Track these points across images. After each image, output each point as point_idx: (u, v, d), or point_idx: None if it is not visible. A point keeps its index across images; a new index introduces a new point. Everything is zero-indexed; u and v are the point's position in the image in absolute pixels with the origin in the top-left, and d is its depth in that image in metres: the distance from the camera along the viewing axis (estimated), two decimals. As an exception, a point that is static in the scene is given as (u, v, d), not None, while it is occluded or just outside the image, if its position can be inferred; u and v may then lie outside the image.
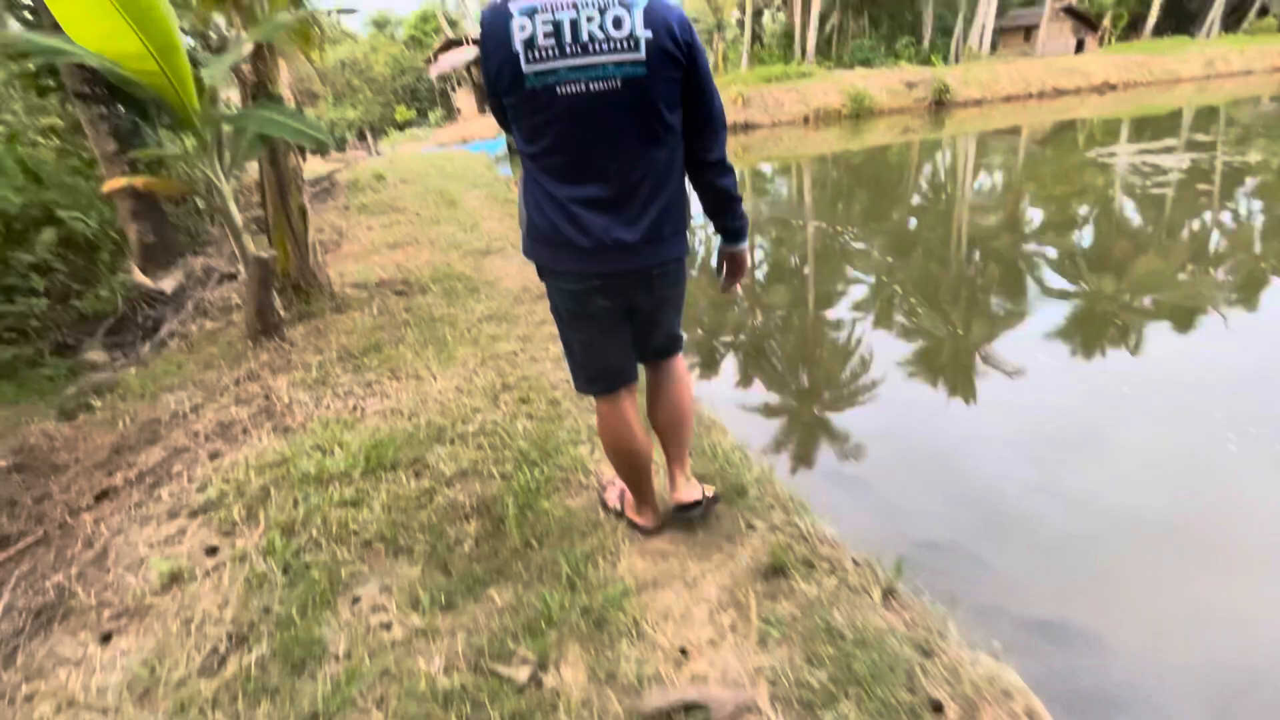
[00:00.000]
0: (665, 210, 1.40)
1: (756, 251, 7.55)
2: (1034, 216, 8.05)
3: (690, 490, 1.81)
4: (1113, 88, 26.03)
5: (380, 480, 2.15)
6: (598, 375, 1.60)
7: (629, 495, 1.88)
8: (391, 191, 8.90)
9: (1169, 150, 10.69)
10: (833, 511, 2.06)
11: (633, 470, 1.72)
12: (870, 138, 18.42)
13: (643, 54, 1.23)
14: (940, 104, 23.30)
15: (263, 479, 2.22)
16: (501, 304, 3.98)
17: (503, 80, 1.26)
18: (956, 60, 28.91)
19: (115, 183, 2.84)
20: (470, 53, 25.76)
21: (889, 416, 3.39)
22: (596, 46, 1.22)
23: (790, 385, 3.96)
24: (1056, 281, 5.37)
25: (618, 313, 1.50)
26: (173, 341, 4.56)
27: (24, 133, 8.02)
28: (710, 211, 1.55)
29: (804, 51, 27.83)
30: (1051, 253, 6.21)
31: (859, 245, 6.92)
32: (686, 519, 1.84)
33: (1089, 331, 4.32)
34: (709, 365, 4.42)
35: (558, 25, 1.21)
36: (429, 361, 3.06)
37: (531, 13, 1.21)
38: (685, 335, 1.76)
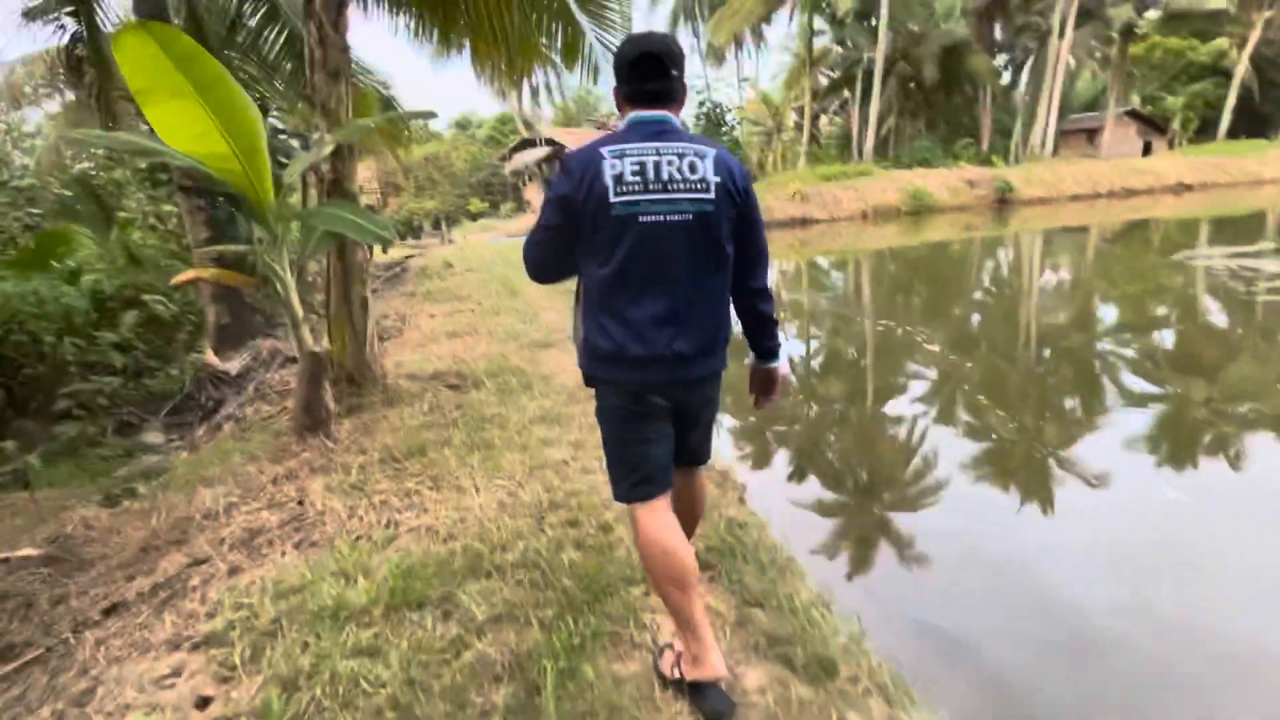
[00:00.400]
0: (718, 327, 1.57)
1: (812, 342, 7.40)
2: (1108, 315, 7.63)
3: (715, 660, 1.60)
4: (1188, 188, 25.29)
5: (403, 623, 1.86)
6: (643, 480, 1.60)
7: (685, 650, 1.63)
8: (457, 279, 9.16)
9: (1261, 254, 9.97)
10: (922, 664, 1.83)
11: (679, 585, 1.55)
12: (931, 233, 18.29)
13: (712, 194, 1.45)
14: (1004, 202, 23.11)
15: (276, 608, 1.97)
16: (555, 403, 3.78)
17: (588, 207, 1.44)
18: (1017, 162, 28.91)
19: (184, 276, 2.88)
20: (541, 151, 27.59)
21: (958, 520, 3.19)
22: (675, 186, 1.44)
23: (848, 483, 3.76)
24: (1138, 384, 4.98)
25: (668, 413, 1.60)
26: (228, 425, 4.56)
27: (137, 220, 8.77)
28: (750, 331, 1.71)
29: (861, 152, 28.49)
30: (1130, 354, 5.80)
31: (920, 339, 6.65)
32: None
33: (1178, 439, 4.03)
34: (762, 456, 4.27)
35: (642, 165, 1.43)
36: (473, 470, 2.84)
37: (620, 155, 1.44)
38: (732, 422, 1.98)
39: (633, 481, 1.60)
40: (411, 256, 13.23)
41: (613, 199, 1.42)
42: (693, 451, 1.72)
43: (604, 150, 1.45)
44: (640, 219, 1.43)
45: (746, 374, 1.81)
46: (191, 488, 3.30)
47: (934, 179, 23.53)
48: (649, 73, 1.50)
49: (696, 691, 1.57)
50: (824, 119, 39.24)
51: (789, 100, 31.89)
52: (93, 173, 9.49)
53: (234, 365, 5.69)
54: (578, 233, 1.48)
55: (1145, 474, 3.54)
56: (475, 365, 4.64)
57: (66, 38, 8.50)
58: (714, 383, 1.65)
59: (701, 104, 29.36)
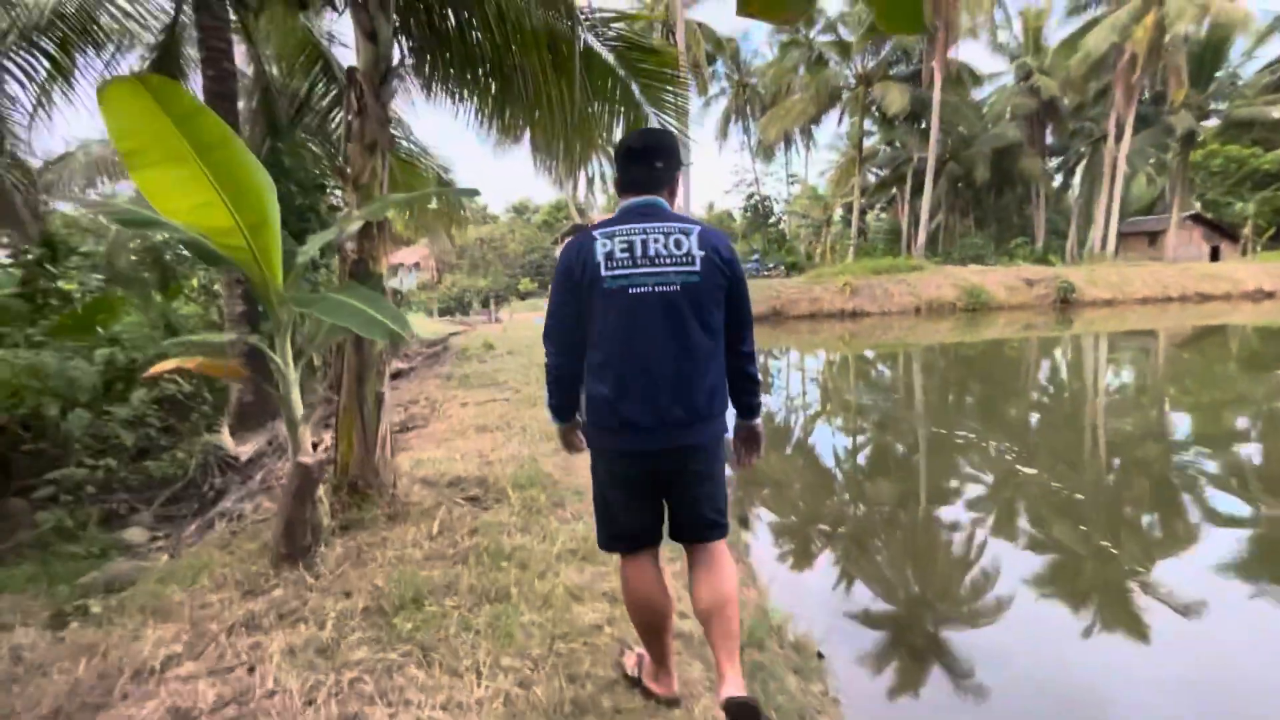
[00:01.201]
0: (712, 390, 1.65)
1: (860, 436, 7.18)
2: (1186, 425, 7.11)
3: (739, 685, 1.61)
4: (1269, 295, 23.89)
5: None
6: (622, 535, 1.75)
7: (648, 661, 1.89)
8: (496, 363, 8.77)
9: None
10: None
11: (651, 629, 1.77)
12: (988, 331, 17.56)
13: (698, 266, 1.60)
14: (1066, 302, 22.14)
15: None
16: (588, 529, 3.12)
17: (584, 282, 1.61)
18: (1074, 262, 28.04)
19: (160, 366, 2.42)
20: (569, 227, 28.32)
21: (1021, 642, 2.97)
22: (662, 260, 1.60)
23: (898, 593, 3.52)
24: (1226, 502, 4.55)
25: (647, 480, 1.68)
26: (221, 523, 4.02)
27: (185, 289, 8.78)
28: (735, 390, 1.78)
29: (911, 247, 28.17)
30: (1214, 468, 5.34)
31: (978, 441, 6.38)
32: None
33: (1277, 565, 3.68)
34: (804, 555, 4.06)
35: (631, 244, 1.61)
36: (477, 638, 2.16)
37: (611, 235, 1.63)
38: (730, 525, 1.79)
39: (610, 534, 1.78)
40: (456, 334, 13.09)
41: (604, 274, 1.58)
42: (691, 527, 1.73)
43: (596, 233, 1.63)
44: (630, 290, 1.57)
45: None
46: (145, 616, 2.71)
47: (991, 276, 22.84)
48: (636, 163, 1.70)
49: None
50: (870, 214, 39.48)
51: (838, 195, 32.21)
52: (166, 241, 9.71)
53: (247, 449, 5.25)
54: (578, 305, 1.63)
55: (1239, 602, 3.24)
56: (502, 470, 4.03)
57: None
58: (699, 454, 1.67)
59: (750, 197, 29.88)
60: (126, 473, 4.84)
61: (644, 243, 1.59)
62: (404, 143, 7.42)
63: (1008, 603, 3.31)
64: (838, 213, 36.18)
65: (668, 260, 1.58)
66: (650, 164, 1.68)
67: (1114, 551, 3.83)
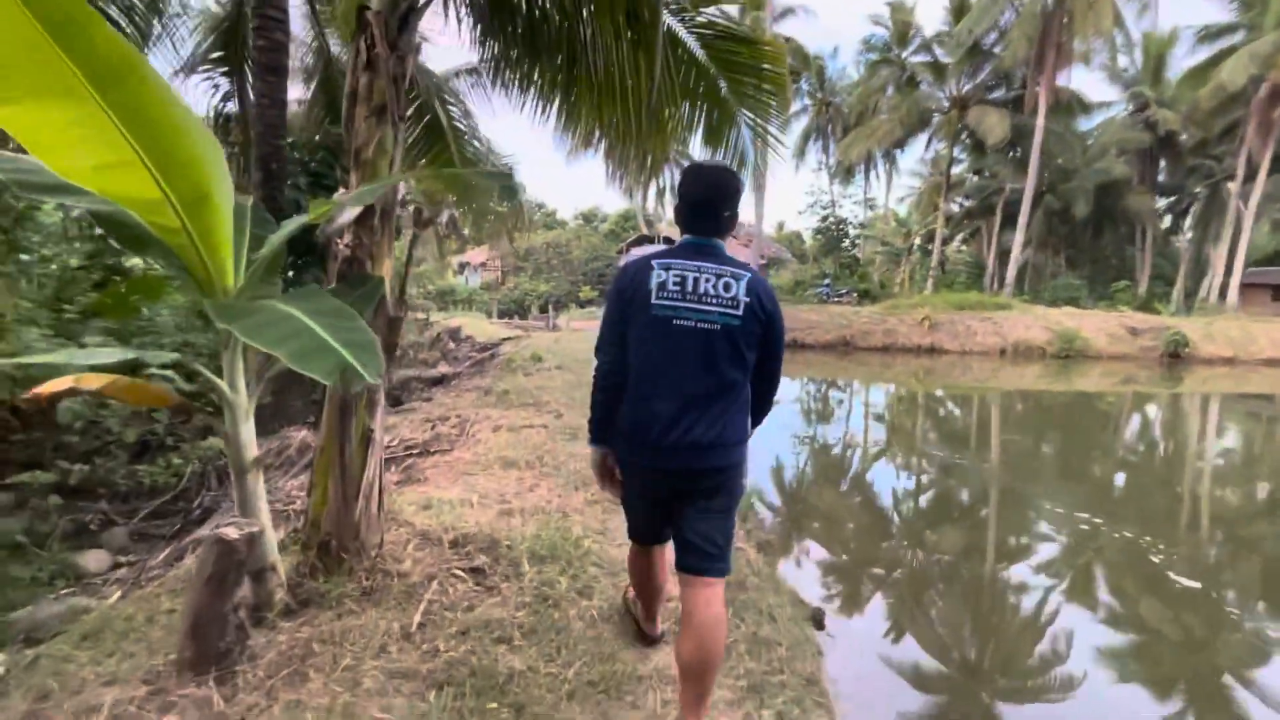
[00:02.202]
0: (733, 419, 1.77)
1: (922, 475, 6.90)
2: None
3: None
4: None
5: None
6: (637, 533, 2.02)
7: (642, 606, 2.27)
8: (542, 378, 8.06)
9: None
10: None
11: (647, 595, 2.21)
12: (1081, 381, 15.86)
13: (740, 311, 1.72)
14: (1176, 357, 19.78)
15: None
16: (615, 637, 2.29)
17: (635, 305, 1.76)
18: (1186, 312, 25.29)
19: (53, 384, 1.76)
20: (656, 249, 27.69)
21: None
22: (709, 300, 1.72)
23: (954, 653, 3.27)
24: None
25: (671, 498, 1.83)
26: (192, 554, 3.41)
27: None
28: (751, 410, 1.90)
29: (998, 282, 26.13)
30: None
31: (1056, 495, 5.97)
32: None
33: None
34: (852, 600, 3.89)
35: (683, 279, 1.74)
36: None
37: (667, 267, 1.76)
38: (731, 569, 1.89)
39: (630, 528, 2.03)
40: (510, 339, 12.55)
41: (654, 300, 1.74)
42: (688, 549, 1.80)
43: (654, 262, 1.78)
44: (674, 321, 1.73)
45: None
46: (32, 696, 2.05)
47: (1088, 321, 20.74)
48: (702, 212, 1.82)
49: None
50: (949, 245, 37.20)
51: (920, 224, 30.43)
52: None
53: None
54: (625, 325, 1.80)
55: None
56: (521, 529, 3.24)
57: (218, 96, 8.74)
58: (714, 477, 1.78)
59: (825, 219, 28.51)
60: (123, 475, 4.33)
61: (696, 280, 1.72)
62: (474, 143, 6.88)
63: (1078, 682, 3.03)
64: (915, 241, 34.26)
65: (713, 301, 1.71)
66: (717, 215, 1.80)
67: (1207, 638, 3.52)
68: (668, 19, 3.77)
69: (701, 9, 3.87)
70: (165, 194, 1.71)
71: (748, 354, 1.74)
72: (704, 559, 1.77)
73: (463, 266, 37.65)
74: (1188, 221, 34.73)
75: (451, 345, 10.69)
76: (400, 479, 4.24)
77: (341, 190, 2.44)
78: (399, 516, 3.26)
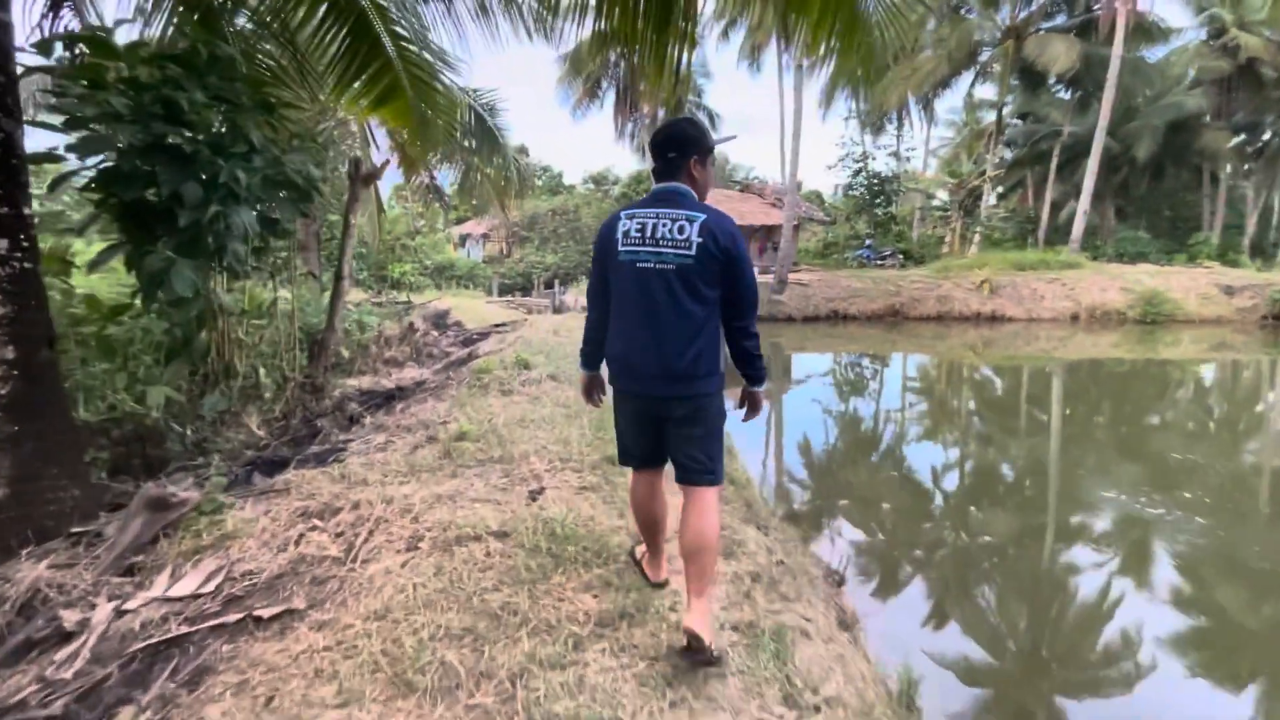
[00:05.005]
0: (700, 352, 1.98)
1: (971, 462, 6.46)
2: None
3: (699, 620, 1.92)
4: None
5: None
6: (627, 454, 2.26)
7: (646, 551, 2.43)
8: (524, 404, 4.96)
9: None
10: None
11: (647, 528, 2.32)
12: (1170, 350, 13.68)
13: (693, 251, 1.93)
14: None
15: None
16: None
17: (607, 253, 2.05)
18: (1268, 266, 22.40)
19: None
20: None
21: None
22: (664, 243, 1.95)
23: (1006, 644, 3.15)
24: None
25: (644, 415, 2.12)
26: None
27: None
28: (735, 361, 2.14)
29: (1045, 239, 23.38)
30: None
31: (1133, 486, 5.33)
32: (688, 659, 1.94)
33: None
34: (890, 584, 3.71)
35: (644, 225, 1.98)
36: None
37: (631, 216, 2.01)
38: (722, 476, 2.11)
39: (620, 450, 2.28)
40: (502, 326, 10.37)
41: (620, 248, 2.00)
42: (680, 467, 2.09)
43: (622, 213, 2.04)
44: (637, 264, 1.97)
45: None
46: None
47: (1174, 280, 18.13)
48: (654, 155, 2.05)
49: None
50: (989, 200, 34.12)
51: (968, 177, 27.51)
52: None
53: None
54: (604, 271, 2.09)
55: None
56: None
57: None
58: (683, 404, 2.03)
59: (857, 173, 25.75)
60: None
61: (654, 226, 1.96)
62: (411, 48, 4.68)
63: (1145, 673, 2.92)
64: (963, 193, 31.27)
65: (668, 244, 1.94)
66: (663, 155, 2.03)
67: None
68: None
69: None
70: None
71: (706, 290, 1.95)
72: (692, 473, 2.06)
73: (464, 239, 35.31)
74: (1258, 164, 31.36)
75: (433, 335, 8.36)
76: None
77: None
78: None
